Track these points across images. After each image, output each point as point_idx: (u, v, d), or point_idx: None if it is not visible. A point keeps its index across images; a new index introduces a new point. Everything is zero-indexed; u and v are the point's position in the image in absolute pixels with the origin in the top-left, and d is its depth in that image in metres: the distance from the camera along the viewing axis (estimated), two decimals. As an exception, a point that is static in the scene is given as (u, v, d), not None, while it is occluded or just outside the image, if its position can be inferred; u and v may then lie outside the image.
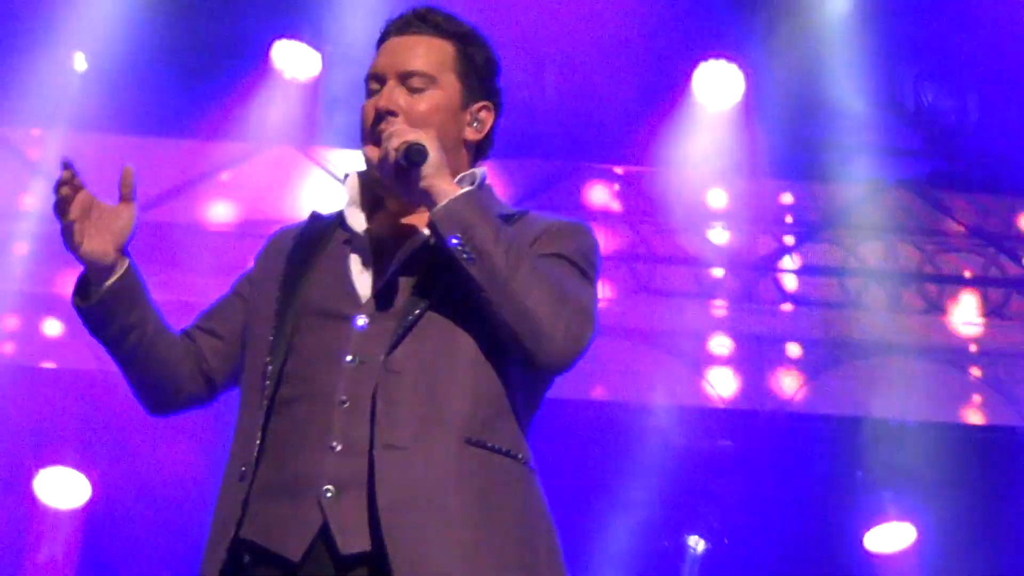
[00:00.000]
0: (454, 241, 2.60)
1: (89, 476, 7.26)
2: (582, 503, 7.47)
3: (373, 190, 2.86)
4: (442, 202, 2.63)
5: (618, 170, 8.01)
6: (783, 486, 7.96)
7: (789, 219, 8.22)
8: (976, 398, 8.12)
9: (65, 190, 2.63)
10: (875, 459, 7.88)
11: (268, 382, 2.65)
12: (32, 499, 7.34)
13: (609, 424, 7.75)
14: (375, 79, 2.84)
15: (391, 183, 2.71)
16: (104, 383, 6.51)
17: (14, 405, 7.10)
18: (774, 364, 8.11)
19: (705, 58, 7.22)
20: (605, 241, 8.43)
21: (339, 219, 2.86)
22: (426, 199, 2.67)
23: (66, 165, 2.65)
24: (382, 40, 2.90)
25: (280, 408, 2.65)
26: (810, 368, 8.14)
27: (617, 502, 7.71)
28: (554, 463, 7.23)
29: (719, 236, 8.05)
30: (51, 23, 6.97)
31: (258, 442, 2.61)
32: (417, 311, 2.66)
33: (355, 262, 2.76)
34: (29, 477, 7.34)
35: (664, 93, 7.39)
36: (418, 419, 2.59)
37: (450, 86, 2.84)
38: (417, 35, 2.85)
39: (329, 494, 2.54)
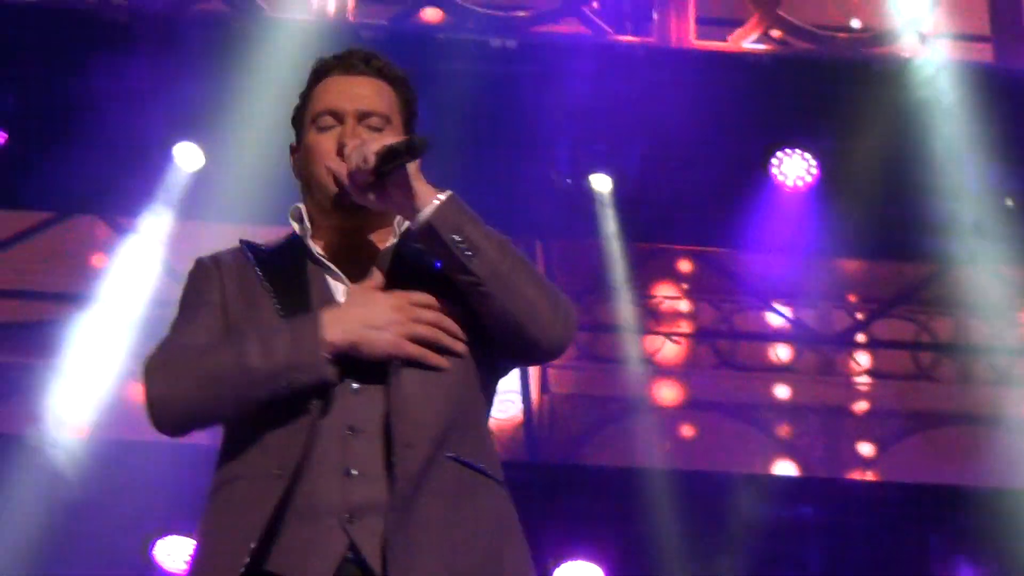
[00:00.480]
0: (455, 238, 2.65)
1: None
2: (667, 571, 7.70)
3: (320, 218, 2.86)
4: (429, 203, 2.67)
5: (701, 250, 8.28)
6: (860, 552, 8.17)
7: (862, 296, 8.46)
8: (1049, 465, 8.25)
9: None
10: (949, 525, 8.06)
11: (310, 405, 2.63)
12: (153, 565, 7.71)
13: (691, 493, 7.96)
14: (332, 115, 2.86)
15: (363, 192, 2.73)
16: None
17: (137, 477, 7.46)
18: (850, 434, 8.37)
19: (782, 145, 7.39)
20: (690, 318, 9.12)
21: (299, 249, 2.85)
22: (405, 201, 2.70)
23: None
24: (321, 76, 2.93)
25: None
26: (885, 438, 8.41)
27: (701, 570, 7.90)
28: (639, 532, 7.62)
29: (797, 313, 8.23)
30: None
31: (296, 462, 2.59)
32: None
33: (336, 289, 2.78)
34: (151, 545, 7.73)
35: (743, 178, 7.54)
36: (417, 427, 2.62)
37: (398, 127, 2.90)
38: (364, 76, 2.90)
39: (349, 519, 2.57)
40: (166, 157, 7.38)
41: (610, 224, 7.57)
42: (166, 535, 7.74)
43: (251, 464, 2.63)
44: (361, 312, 2.67)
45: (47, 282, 7.57)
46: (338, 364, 2.65)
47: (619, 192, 7.51)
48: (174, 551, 7.74)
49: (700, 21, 7.56)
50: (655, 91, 7.20)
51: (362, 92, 2.87)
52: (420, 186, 2.69)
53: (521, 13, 7.48)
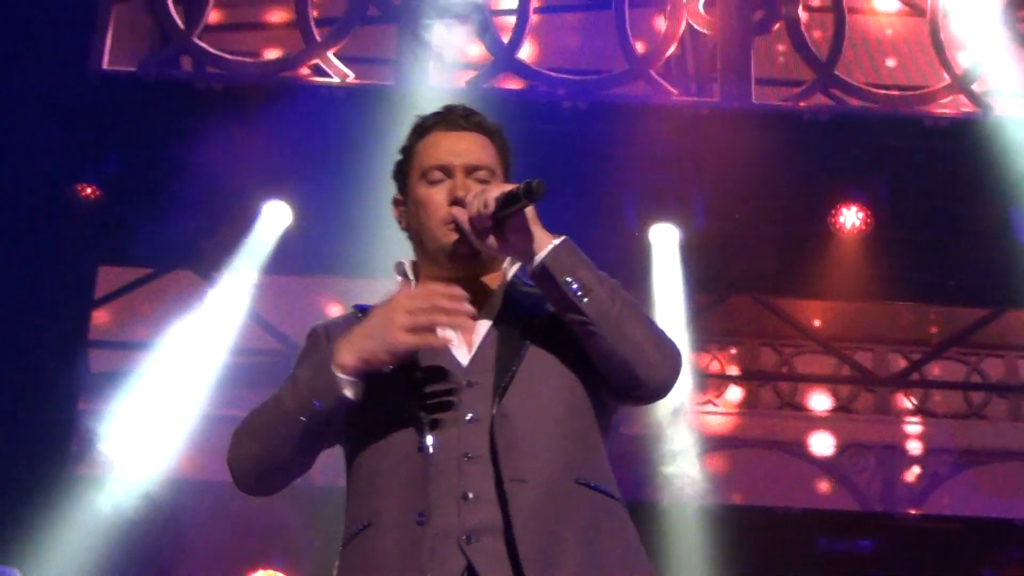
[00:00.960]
0: (568, 280, 2.71)
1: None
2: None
3: (429, 270, 2.94)
4: (545, 247, 2.74)
5: (762, 298, 8.45)
6: (915, 584, 8.40)
7: (915, 339, 8.69)
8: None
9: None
10: (1001, 559, 8.18)
11: (427, 439, 2.71)
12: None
13: (752, 527, 8.11)
14: (441, 170, 2.92)
15: (482, 237, 2.79)
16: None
17: (229, 515, 7.84)
18: (905, 470, 8.62)
19: (840, 196, 7.60)
20: (751, 362, 9.38)
21: None
22: (522, 244, 2.77)
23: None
24: (423, 133, 3.00)
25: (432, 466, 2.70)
26: (937, 474, 8.66)
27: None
28: (702, 566, 7.83)
29: (854, 355, 8.41)
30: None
31: (432, 494, 2.66)
32: (516, 361, 2.77)
33: (443, 332, 2.78)
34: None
35: (803, 229, 7.80)
36: (531, 458, 2.68)
37: (501, 177, 2.97)
38: (466, 132, 2.97)
39: (467, 540, 2.62)
40: (256, 214, 7.76)
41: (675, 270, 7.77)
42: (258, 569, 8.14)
43: (379, 511, 2.72)
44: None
45: (147, 332, 7.85)
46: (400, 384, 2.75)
47: (685, 242, 7.76)
48: (267, 582, 8.06)
49: (760, 82, 7.84)
50: (719, 148, 7.47)
51: (467, 147, 2.95)
52: (537, 229, 2.77)
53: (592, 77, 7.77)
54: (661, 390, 2.80)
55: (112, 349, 8.32)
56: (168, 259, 8.02)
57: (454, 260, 2.89)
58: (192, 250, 7.84)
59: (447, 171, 2.92)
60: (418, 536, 2.64)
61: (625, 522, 2.78)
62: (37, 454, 7.53)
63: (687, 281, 7.72)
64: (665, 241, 7.74)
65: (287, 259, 7.87)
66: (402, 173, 3.04)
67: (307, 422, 2.72)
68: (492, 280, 2.96)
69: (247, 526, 8.01)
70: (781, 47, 8.66)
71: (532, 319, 2.84)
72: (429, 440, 2.70)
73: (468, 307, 2.69)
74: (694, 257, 7.63)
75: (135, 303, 8.40)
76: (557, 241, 2.77)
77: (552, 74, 7.74)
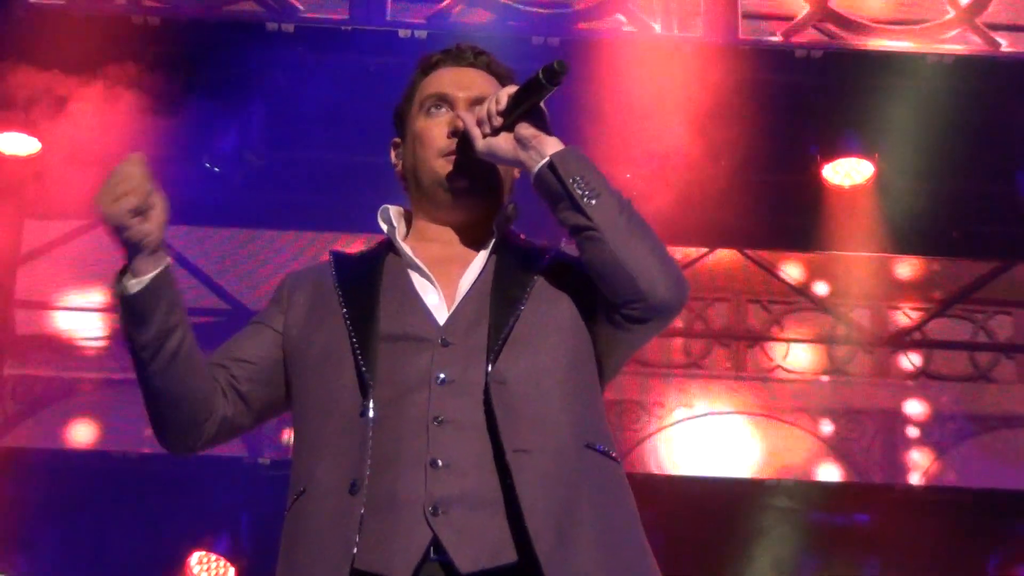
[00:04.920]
0: (578, 178, 2.63)
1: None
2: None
3: (421, 213, 2.88)
4: (554, 149, 2.66)
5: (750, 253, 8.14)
6: (917, 560, 8.02)
7: (917, 295, 8.26)
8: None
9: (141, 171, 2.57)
10: (1011, 532, 7.90)
11: (369, 403, 2.60)
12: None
13: (740, 500, 7.85)
14: (442, 99, 2.86)
15: (490, 138, 2.71)
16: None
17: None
18: (907, 439, 8.20)
19: (836, 143, 7.28)
20: (738, 322, 9.05)
21: (385, 251, 2.86)
22: (531, 145, 2.67)
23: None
24: (428, 70, 2.94)
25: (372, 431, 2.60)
26: (942, 442, 8.23)
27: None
28: (689, 540, 7.47)
29: (850, 313, 8.05)
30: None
31: (369, 461, 2.55)
32: (511, 320, 2.67)
33: (421, 286, 2.74)
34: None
35: (794, 178, 7.50)
36: (535, 425, 2.59)
37: None
38: (473, 68, 2.91)
39: (434, 512, 2.51)
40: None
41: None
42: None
43: (315, 476, 2.61)
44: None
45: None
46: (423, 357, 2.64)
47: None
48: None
49: (747, 16, 7.37)
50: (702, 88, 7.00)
51: (474, 80, 2.88)
52: (549, 131, 2.68)
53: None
54: (662, 309, 2.66)
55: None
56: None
57: (450, 196, 2.80)
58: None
59: (449, 102, 2.84)
60: (350, 506, 2.51)
61: (627, 487, 2.69)
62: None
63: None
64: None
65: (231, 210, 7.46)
66: (402, 113, 2.95)
67: (125, 315, 2.64)
68: (485, 233, 2.83)
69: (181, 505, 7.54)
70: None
71: (527, 273, 2.74)
72: (371, 404, 2.58)
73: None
74: (675, 208, 7.12)
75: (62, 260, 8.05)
76: (567, 147, 2.68)
77: (520, 7, 7.23)
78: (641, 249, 2.63)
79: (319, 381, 2.70)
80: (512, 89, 2.68)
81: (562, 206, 2.66)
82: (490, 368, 2.60)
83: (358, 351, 2.65)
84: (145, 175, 2.55)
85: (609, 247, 2.62)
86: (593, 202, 2.63)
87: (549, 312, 2.71)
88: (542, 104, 2.67)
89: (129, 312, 2.63)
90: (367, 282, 2.77)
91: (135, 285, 2.59)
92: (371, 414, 2.57)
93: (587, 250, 2.65)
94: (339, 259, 2.87)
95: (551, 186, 2.66)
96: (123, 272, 2.62)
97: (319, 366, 2.71)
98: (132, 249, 2.59)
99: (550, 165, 2.65)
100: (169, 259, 2.66)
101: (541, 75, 2.59)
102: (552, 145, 2.67)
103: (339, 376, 2.66)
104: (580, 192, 2.64)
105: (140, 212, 2.55)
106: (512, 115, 2.67)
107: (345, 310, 2.72)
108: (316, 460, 2.62)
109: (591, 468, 2.60)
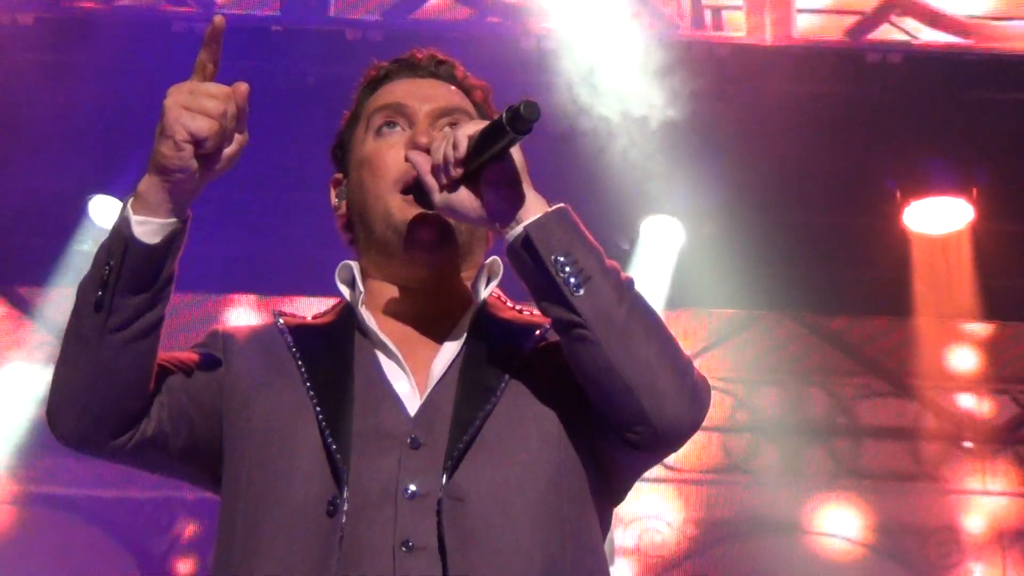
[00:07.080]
0: (559, 259, 2.25)
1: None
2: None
3: (376, 270, 2.56)
4: (533, 212, 2.28)
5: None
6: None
7: None
8: None
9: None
10: None
11: (342, 518, 2.24)
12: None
13: None
14: (397, 112, 2.50)
15: (447, 193, 2.31)
16: None
17: None
18: None
19: (918, 173, 6.49)
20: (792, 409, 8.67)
21: (348, 322, 2.51)
22: (500, 205, 2.28)
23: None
24: (377, 84, 2.60)
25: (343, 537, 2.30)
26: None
27: None
28: None
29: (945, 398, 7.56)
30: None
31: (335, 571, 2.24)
32: (476, 421, 2.32)
33: (389, 369, 2.41)
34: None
35: (866, 223, 6.76)
36: (494, 557, 2.24)
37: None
38: (435, 79, 2.60)
39: None
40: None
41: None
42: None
43: None
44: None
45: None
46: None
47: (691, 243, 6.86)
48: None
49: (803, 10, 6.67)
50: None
51: (436, 91, 2.56)
52: (526, 186, 2.26)
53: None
54: (672, 435, 2.26)
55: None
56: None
57: (407, 247, 2.41)
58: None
59: (406, 116, 2.49)
60: None
61: None
62: None
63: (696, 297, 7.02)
64: (661, 240, 6.74)
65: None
66: (343, 142, 2.61)
67: (102, 296, 2.22)
68: (460, 296, 2.50)
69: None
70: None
71: (508, 355, 2.38)
72: (345, 499, 2.23)
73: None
74: (704, 263, 6.67)
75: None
76: (549, 210, 2.26)
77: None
78: (645, 352, 2.26)
79: (263, 454, 2.38)
80: (472, 129, 2.28)
81: (542, 294, 2.29)
82: (444, 480, 2.27)
83: (331, 442, 2.29)
84: (241, 113, 2.22)
85: (603, 351, 2.26)
86: (581, 291, 2.25)
87: (531, 409, 2.37)
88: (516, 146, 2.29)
89: (133, 262, 2.25)
90: (338, 364, 2.43)
91: (151, 232, 2.21)
92: (344, 519, 2.23)
93: (574, 352, 2.30)
94: (294, 327, 2.54)
95: (526, 266, 2.29)
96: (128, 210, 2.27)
97: (264, 435, 2.38)
98: (168, 178, 2.21)
99: (524, 240, 2.28)
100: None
101: (505, 120, 2.19)
102: (529, 207, 2.29)
103: (290, 456, 2.33)
104: (564, 276, 2.25)
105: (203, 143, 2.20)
106: (473, 163, 2.27)
107: (313, 393, 2.38)
108: (255, 558, 2.27)
109: None
